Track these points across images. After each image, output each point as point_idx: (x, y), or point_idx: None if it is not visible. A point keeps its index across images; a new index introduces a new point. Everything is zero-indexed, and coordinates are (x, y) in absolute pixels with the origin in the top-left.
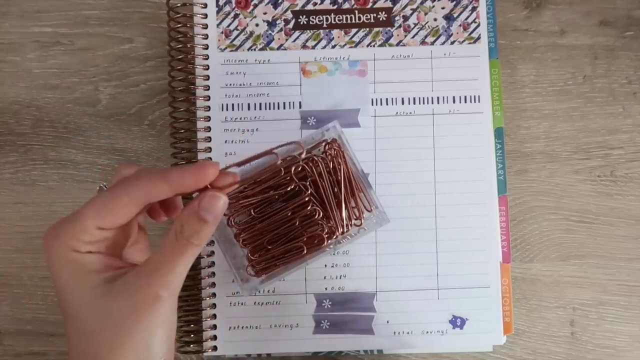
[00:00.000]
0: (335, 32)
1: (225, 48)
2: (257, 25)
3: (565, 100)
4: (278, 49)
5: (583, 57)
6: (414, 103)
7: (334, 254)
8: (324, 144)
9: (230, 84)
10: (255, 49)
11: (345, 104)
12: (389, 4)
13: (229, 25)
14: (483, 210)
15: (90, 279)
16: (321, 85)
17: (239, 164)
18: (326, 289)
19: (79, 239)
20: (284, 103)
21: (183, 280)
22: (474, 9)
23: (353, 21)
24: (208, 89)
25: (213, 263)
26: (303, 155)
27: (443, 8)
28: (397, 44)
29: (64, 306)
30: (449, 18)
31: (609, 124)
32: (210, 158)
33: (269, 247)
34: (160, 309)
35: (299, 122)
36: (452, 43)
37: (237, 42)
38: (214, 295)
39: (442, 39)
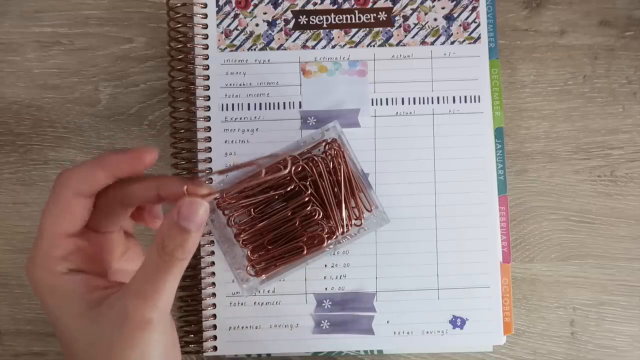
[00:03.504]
0: (335, 32)
1: (225, 48)
2: (257, 25)
3: (565, 100)
4: (278, 49)
5: (583, 57)
6: (414, 103)
7: (334, 254)
8: (324, 144)
9: (230, 84)
10: (255, 49)
11: (345, 104)
12: (389, 4)
13: (229, 25)
14: (483, 210)
15: (75, 305)
16: (321, 85)
17: (220, 172)
18: (326, 289)
19: (53, 255)
20: (284, 103)
21: (173, 297)
22: (474, 9)
23: (353, 21)
24: (208, 89)
25: (213, 263)
26: (286, 171)
27: (443, 8)
28: (397, 44)
29: (57, 332)
30: (449, 18)
31: (609, 124)
32: (210, 158)
33: (269, 247)
34: (152, 332)
35: (299, 122)
36: (452, 43)
37: (237, 42)
38: (214, 295)
39: (442, 39)
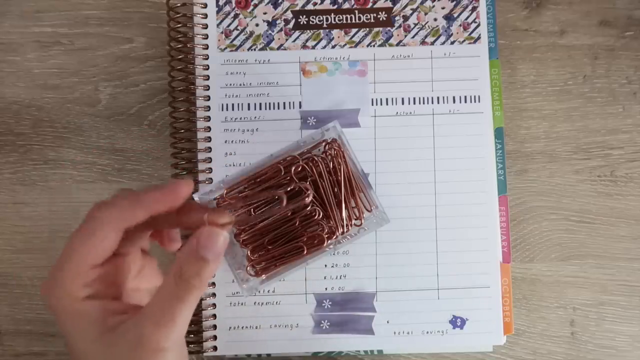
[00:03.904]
0: (335, 32)
1: (225, 48)
2: (257, 25)
3: (565, 100)
4: (278, 49)
5: (583, 57)
6: (414, 103)
7: (334, 254)
8: (324, 144)
9: (230, 84)
10: (255, 49)
11: (345, 104)
12: (389, 4)
13: (229, 25)
14: (483, 210)
15: (91, 329)
16: (321, 85)
17: (243, 200)
18: (326, 289)
19: (76, 282)
20: (284, 103)
21: (188, 323)
22: (474, 9)
23: (353, 21)
24: (208, 89)
25: None
26: (309, 200)
27: (443, 8)
28: (397, 44)
29: (71, 355)
30: (449, 18)
31: (609, 124)
32: (210, 158)
33: (269, 247)
34: (165, 359)
35: (299, 122)
36: (452, 43)
37: (237, 42)
38: (214, 295)
39: (442, 39)
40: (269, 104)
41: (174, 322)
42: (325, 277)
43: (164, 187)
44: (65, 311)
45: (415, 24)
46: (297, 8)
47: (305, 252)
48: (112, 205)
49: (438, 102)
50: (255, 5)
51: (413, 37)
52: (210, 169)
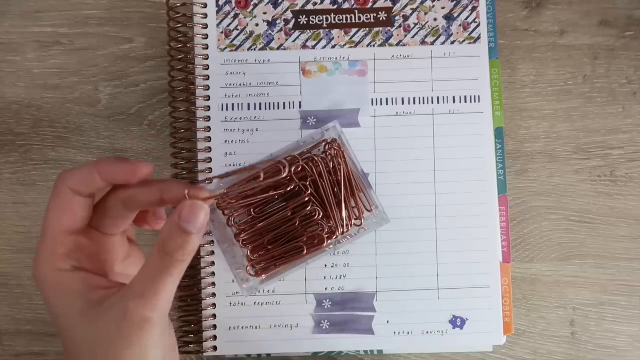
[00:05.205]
0: (335, 32)
1: (225, 48)
2: (257, 25)
3: (565, 100)
4: (278, 49)
5: (583, 57)
6: (414, 103)
7: (334, 254)
8: (324, 144)
9: (230, 84)
10: (255, 49)
11: (345, 104)
12: (389, 4)
13: (229, 25)
14: (483, 210)
15: (76, 303)
16: (321, 85)
17: (220, 177)
18: (326, 289)
19: (56, 252)
20: (284, 103)
21: (172, 298)
22: (474, 8)
23: (353, 21)
24: (208, 89)
25: (213, 263)
26: (285, 174)
27: (443, 8)
28: (397, 44)
29: (57, 330)
30: (449, 18)
31: (609, 124)
32: (210, 158)
33: (269, 247)
34: (150, 331)
35: (299, 122)
36: (452, 43)
37: (237, 42)
38: (214, 295)
39: (442, 39)
40: (269, 104)
41: (158, 294)
42: (325, 277)
43: (125, 162)
44: (48, 283)
45: (415, 24)
46: (297, 8)
47: (305, 252)
48: (71, 169)
49: (438, 102)
50: (255, 5)
51: (413, 37)
52: (210, 169)
